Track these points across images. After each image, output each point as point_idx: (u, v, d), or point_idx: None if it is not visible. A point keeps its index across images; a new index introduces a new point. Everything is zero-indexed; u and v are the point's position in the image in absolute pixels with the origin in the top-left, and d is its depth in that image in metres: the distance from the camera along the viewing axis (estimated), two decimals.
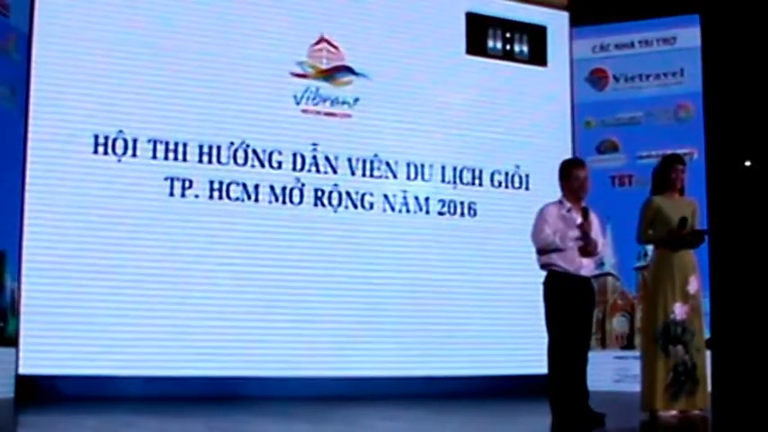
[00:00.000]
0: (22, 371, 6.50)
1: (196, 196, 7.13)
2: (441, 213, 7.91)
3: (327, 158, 7.57)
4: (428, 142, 7.93)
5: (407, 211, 7.81)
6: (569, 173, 5.50)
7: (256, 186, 7.31)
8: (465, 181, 8.01)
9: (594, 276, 8.34)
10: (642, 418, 5.59)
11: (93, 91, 6.89)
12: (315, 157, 7.52)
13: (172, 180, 7.07)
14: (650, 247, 6.17)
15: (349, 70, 7.71)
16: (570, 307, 5.33)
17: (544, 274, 5.49)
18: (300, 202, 7.44)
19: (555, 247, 5.33)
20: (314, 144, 7.53)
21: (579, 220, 5.38)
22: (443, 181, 7.96)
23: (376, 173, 7.73)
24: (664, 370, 5.60)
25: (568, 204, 5.46)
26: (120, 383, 6.72)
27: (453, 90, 8.07)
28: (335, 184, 7.58)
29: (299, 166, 7.46)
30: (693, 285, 5.71)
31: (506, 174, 8.14)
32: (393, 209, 7.76)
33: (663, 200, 5.79)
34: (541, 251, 5.41)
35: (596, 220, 5.52)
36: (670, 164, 5.84)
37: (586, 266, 5.44)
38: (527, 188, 8.08)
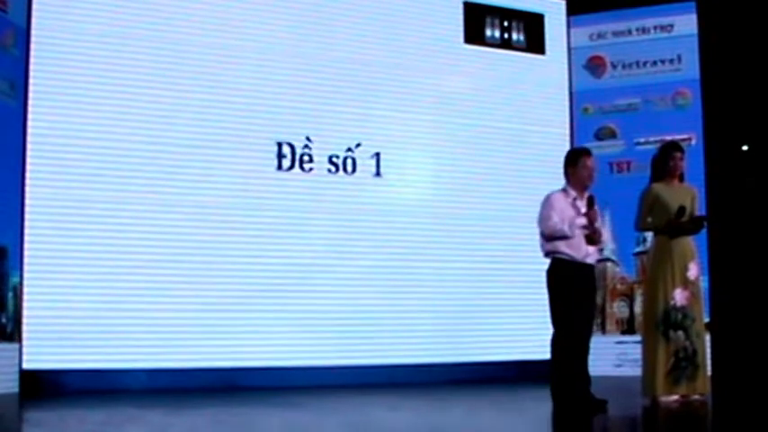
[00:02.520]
0: (25, 366, 6.53)
1: (197, 189, 7.13)
2: (440, 202, 7.92)
3: (327, 149, 7.57)
4: (427, 131, 7.94)
5: (408, 200, 7.82)
6: (577, 161, 5.50)
7: (258, 179, 7.31)
8: (464, 169, 8.01)
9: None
10: (644, 404, 5.62)
11: (93, 85, 6.88)
12: (311, 149, 7.52)
13: (172, 173, 7.06)
14: (650, 234, 6.20)
15: None
16: (575, 294, 5.35)
17: (547, 261, 5.51)
18: (300, 194, 7.44)
19: (563, 234, 5.35)
20: (308, 138, 7.54)
21: (584, 209, 5.41)
22: (443, 170, 7.96)
23: (371, 163, 7.72)
24: (665, 356, 5.64)
25: (574, 193, 5.47)
26: (124, 377, 6.75)
27: (452, 79, 8.08)
28: (335, 175, 7.58)
29: (297, 158, 7.47)
30: (693, 271, 5.75)
31: (505, 161, 8.14)
32: (392, 199, 7.76)
33: (662, 187, 5.82)
34: (549, 238, 5.43)
35: (599, 211, 5.54)
36: (668, 152, 5.88)
37: (592, 254, 5.47)
38: (526, 175, 8.07)
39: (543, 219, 5.44)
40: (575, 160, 5.53)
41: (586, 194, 5.48)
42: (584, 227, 5.37)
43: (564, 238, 5.36)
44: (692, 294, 5.73)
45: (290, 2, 7.59)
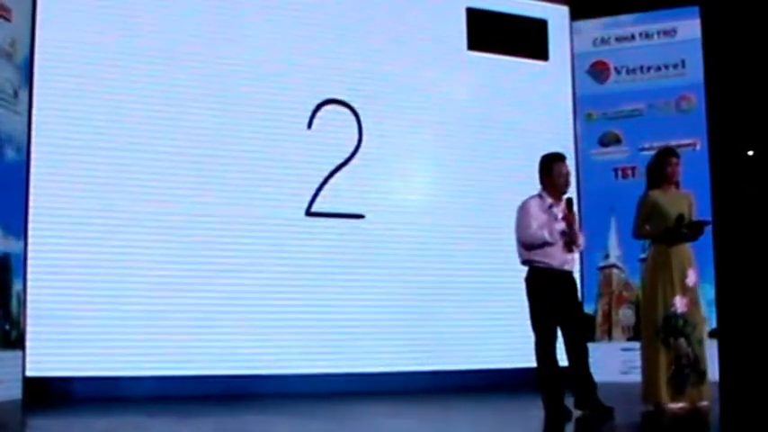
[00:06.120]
0: (29, 373, 6.52)
1: (204, 198, 7.12)
2: (443, 209, 7.90)
3: (328, 156, 7.56)
4: (430, 138, 7.93)
5: (409, 207, 7.79)
6: (551, 168, 5.42)
7: (260, 187, 7.29)
8: (466, 176, 7.99)
9: (600, 268, 8.42)
10: (647, 411, 5.58)
11: (97, 94, 6.89)
12: (315, 155, 7.51)
13: (178, 181, 7.06)
14: None
15: None
16: (554, 302, 5.29)
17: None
18: (302, 200, 7.43)
19: (543, 241, 5.27)
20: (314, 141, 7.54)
21: (561, 214, 5.35)
22: (444, 177, 7.95)
23: (376, 170, 7.71)
24: (666, 363, 5.59)
25: (549, 200, 5.39)
26: (128, 384, 6.74)
27: (455, 86, 8.08)
28: (336, 182, 7.57)
29: (299, 165, 7.45)
30: (692, 278, 5.70)
31: (508, 168, 8.10)
32: (394, 205, 7.74)
33: (659, 194, 5.77)
34: (529, 247, 5.35)
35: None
36: (664, 158, 5.82)
37: (570, 262, 5.41)
38: (530, 182, 8.02)
39: (522, 227, 5.35)
40: (549, 167, 5.43)
41: (564, 198, 5.43)
42: (562, 232, 5.32)
43: (544, 245, 5.29)
44: (691, 301, 5.68)
45: (287, 8, 7.58)
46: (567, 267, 5.38)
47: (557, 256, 5.31)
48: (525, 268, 5.48)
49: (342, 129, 7.63)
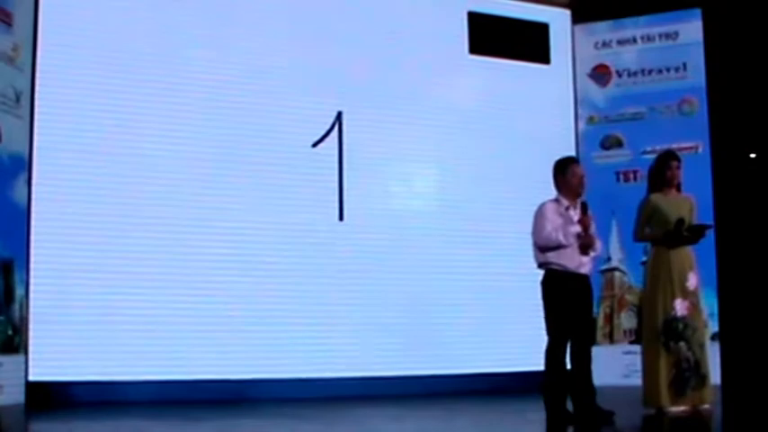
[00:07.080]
0: (31, 378, 6.53)
1: (204, 201, 7.13)
2: (445, 213, 7.89)
3: (328, 160, 7.57)
4: (431, 142, 7.93)
5: (410, 211, 7.80)
6: (566, 170, 5.46)
7: (259, 194, 7.30)
8: (468, 180, 7.99)
9: (602, 271, 8.41)
10: (649, 415, 5.57)
11: (99, 99, 6.90)
12: (316, 159, 7.53)
13: (178, 184, 7.07)
14: None
15: None
16: (570, 306, 5.30)
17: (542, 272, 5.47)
18: (301, 204, 7.43)
19: (558, 243, 5.30)
20: (314, 145, 7.55)
21: (577, 217, 5.37)
22: (445, 180, 7.95)
23: (377, 174, 7.72)
24: (666, 367, 5.58)
25: (566, 203, 5.42)
26: (130, 389, 6.74)
27: (456, 89, 8.08)
28: (337, 186, 7.58)
29: (300, 168, 7.46)
30: (692, 281, 5.70)
31: (510, 171, 8.10)
32: (395, 210, 7.75)
33: (660, 197, 5.77)
34: (544, 249, 5.37)
35: (592, 217, 5.50)
36: (665, 161, 5.82)
37: (586, 264, 5.42)
38: (531, 186, 8.02)
39: (537, 230, 5.38)
40: (563, 169, 5.48)
41: (579, 201, 5.45)
42: (578, 235, 5.33)
43: (559, 247, 5.31)
44: (691, 304, 5.68)
45: (287, 14, 7.58)
46: (583, 270, 5.40)
47: (572, 258, 5.33)
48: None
49: (344, 134, 7.64)
